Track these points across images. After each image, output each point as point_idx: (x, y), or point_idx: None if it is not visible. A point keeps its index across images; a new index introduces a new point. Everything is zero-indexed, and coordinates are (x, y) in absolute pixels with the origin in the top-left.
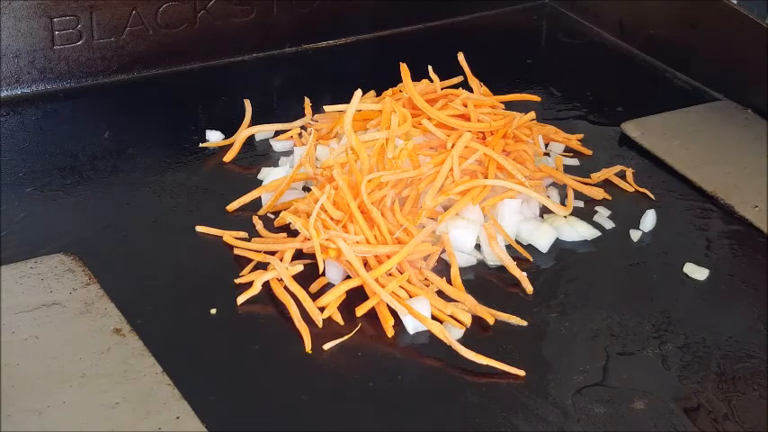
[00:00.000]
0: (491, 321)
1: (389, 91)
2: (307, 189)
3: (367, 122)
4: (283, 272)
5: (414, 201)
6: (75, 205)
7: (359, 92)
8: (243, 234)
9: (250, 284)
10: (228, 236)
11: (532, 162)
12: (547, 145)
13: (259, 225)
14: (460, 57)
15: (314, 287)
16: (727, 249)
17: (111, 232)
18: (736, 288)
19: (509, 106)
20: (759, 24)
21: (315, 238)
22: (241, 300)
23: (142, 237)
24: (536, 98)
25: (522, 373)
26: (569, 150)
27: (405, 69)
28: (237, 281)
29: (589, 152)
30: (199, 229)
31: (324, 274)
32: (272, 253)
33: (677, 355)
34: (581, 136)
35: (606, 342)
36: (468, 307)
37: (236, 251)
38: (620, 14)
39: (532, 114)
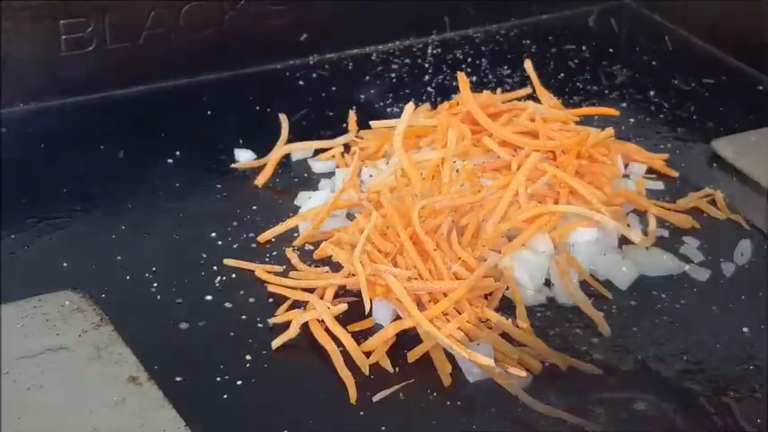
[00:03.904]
0: (564, 368)
1: (446, 104)
2: (351, 217)
3: (420, 140)
4: (324, 311)
5: (473, 230)
6: (84, 235)
7: (410, 105)
8: (278, 268)
9: (287, 326)
10: (261, 270)
11: (610, 185)
12: (626, 166)
13: (295, 258)
14: (527, 64)
15: (359, 329)
16: None
17: (125, 266)
18: None
19: (583, 121)
20: None
21: (360, 273)
22: (276, 343)
23: (162, 271)
24: (614, 112)
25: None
26: (652, 172)
27: (463, 79)
28: (272, 321)
29: (675, 174)
30: (227, 262)
31: (370, 314)
32: (312, 290)
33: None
34: (666, 156)
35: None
36: (536, 352)
37: (269, 288)
38: (712, 16)
39: (610, 131)
